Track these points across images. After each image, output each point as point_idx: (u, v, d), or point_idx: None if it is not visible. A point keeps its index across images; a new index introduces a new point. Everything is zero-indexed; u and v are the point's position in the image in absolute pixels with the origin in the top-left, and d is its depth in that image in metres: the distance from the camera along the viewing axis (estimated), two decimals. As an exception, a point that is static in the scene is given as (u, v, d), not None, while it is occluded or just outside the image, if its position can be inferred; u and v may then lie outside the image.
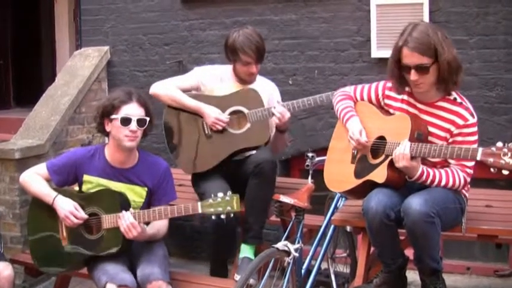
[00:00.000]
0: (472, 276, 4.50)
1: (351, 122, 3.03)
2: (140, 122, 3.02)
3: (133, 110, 3.01)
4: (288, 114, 3.51)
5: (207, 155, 3.58)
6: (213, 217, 2.88)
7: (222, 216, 2.88)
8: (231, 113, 3.59)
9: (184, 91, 3.66)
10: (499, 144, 2.50)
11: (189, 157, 3.63)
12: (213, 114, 3.55)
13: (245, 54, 3.55)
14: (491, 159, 2.51)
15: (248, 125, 3.56)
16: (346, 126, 3.05)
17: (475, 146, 2.79)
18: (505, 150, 2.47)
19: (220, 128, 3.55)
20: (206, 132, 3.59)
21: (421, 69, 2.74)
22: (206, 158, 3.57)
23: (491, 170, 2.54)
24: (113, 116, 3.01)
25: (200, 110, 3.59)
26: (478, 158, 2.56)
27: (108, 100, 3.05)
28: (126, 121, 2.99)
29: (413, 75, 2.77)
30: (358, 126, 2.99)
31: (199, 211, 2.90)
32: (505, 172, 2.49)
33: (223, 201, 2.86)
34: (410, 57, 2.75)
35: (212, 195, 2.89)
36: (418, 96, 2.92)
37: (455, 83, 2.81)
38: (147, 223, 3.05)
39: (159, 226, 3.11)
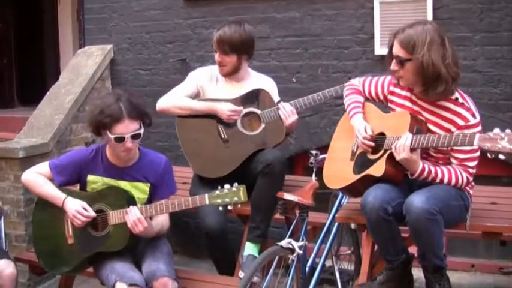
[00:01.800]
0: (476, 273, 4.50)
1: (355, 119, 3.07)
2: (135, 136, 2.99)
3: (125, 129, 2.94)
4: (295, 116, 3.53)
5: (226, 159, 3.55)
6: (220, 208, 2.92)
7: (230, 207, 2.92)
8: (243, 116, 3.59)
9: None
10: (496, 130, 2.53)
11: (209, 164, 3.59)
12: (226, 108, 3.54)
13: (213, 39, 3.61)
14: (488, 144, 2.52)
15: (262, 126, 3.56)
16: (351, 123, 3.08)
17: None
18: (502, 135, 2.50)
19: (237, 118, 3.55)
20: (223, 136, 3.57)
21: (399, 61, 2.83)
22: (226, 162, 3.54)
23: (488, 155, 2.55)
24: (106, 132, 2.98)
25: (212, 108, 3.57)
26: (475, 143, 2.58)
27: (99, 115, 2.95)
28: (120, 140, 2.97)
29: (393, 65, 2.87)
30: (362, 123, 3.02)
31: (207, 202, 2.92)
32: (502, 157, 2.51)
33: (230, 193, 2.90)
34: (395, 47, 2.85)
35: (219, 187, 2.92)
36: (420, 95, 2.93)
37: (434, 89, 2.79)
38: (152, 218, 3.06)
39: (162, 221, 3.13)
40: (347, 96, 3.20)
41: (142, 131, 3.03)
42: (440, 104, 2.87)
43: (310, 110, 4.51)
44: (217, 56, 3.63)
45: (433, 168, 2.82)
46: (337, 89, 3.58)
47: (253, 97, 3.60)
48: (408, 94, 2.98)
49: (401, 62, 2.82)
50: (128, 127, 2.95)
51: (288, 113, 3.52)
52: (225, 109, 3.55)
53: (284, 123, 3.53)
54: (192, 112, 3.61)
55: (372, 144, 2.96)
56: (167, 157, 3.28)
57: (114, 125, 2.94)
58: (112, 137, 2.96)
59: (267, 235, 3.52)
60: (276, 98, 3.71)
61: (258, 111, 3.58)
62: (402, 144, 2.74)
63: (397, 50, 2.83)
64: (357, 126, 3.03)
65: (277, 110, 3.54)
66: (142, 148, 3.20)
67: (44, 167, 3.19)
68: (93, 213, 3.04)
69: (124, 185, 3.10)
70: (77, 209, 3.02)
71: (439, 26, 2.86)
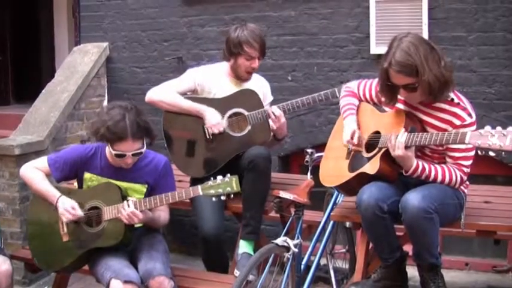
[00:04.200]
0: (470, 272, 4.52)
1: (347, 121, 3.09)
2: (135, 154, 3.01)
3: (128, 147, 2.97)
4: (283, 119, 3.53)
5: (209, 159, 3.55)
6: (214, 199, 2.95)
7: (223, 198, 2.95)
8: (231, 115, 3.58)
9: (181, 94, 3.62)
10: (487, 127, 2.54)
11: (191, 162, 3.59)
12: (212, 121, 3.51)
13: (251, 48, 3.54)
14: (479, 141, 2.53)
15: (249, 127, 3.54)
16: (343, 122, 3.10)
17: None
18: (492, 132, 2.51)
19: (216, 132, 3.52)
20: (207, 136, 3.55)
21: (410, 88, 2.79)
22: (208, 163, 3.55)
23: (479, 152, 2.56)
24: (108, 145, 3.01)
25: (201, 112, 3.55)
26: (467, 140, 2.58)
27: (105, 130, 2.94)
28: (120, 156, 3.00)
29: (402, 93, 2.84)
30: (352, 128, 3.03)
31: (200, 193, 2.95)
32: (492, 153, 2.52)
33: (223, 183, 2.93)
34: (397, 79, 2.79)
35: (212, 178, 2.95)
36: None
37: (442, 95, 2.81)
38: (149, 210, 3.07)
39: (160, 212, 3.14)
40: (342, 98, 3.22)
41: (144, 149, 3.04)
42: (435, 106, 2.88)
43: (306, 108, 4.52)
44: (256, 63, 3.59)
45: (427, 166, 2.83)
46: (327, 93, 3.56)
47: (242, 97, 3.58)
48: (403, 97, 2.98)
49: (413, 88, 2.78)
50: (130, 146, 2.97)
51: (277, 117, 3.51)
52: (210, 121, 3.51)
53: (271, 128, 3.53)
54: (180, 111, 3.59)
55: (353, 147, 3.00)
56: (165, 156, 3.28)
57: (117, 143, 2.96)
58: (113, 152, 2.99)
59: (258, 232, 3.50)
60: (269, 98, 3.73)
61: (246, 113, 3.56)
62: (397, 141, 2.75)
63: (403, 80, 2.76)
64: (345, 127, 3.05)
65: (264, 113, 3.53)
66: None
67: (42, 162, 3.19)
68: (80, 213, 3.04)
69: (121, 185, 3.10)
70: (64, 207, 3.03)
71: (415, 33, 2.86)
